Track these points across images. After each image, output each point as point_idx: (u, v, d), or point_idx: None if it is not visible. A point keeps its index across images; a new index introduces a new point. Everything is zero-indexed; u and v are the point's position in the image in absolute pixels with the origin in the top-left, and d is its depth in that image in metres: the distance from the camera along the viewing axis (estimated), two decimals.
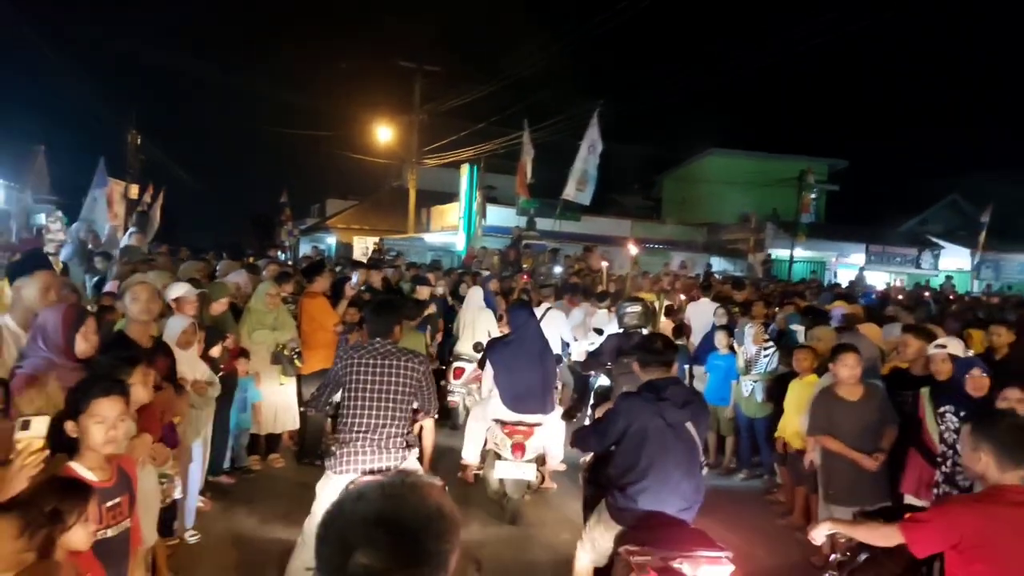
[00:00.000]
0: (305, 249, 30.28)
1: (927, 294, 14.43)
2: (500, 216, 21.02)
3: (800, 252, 23.33)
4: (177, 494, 3.79)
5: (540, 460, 5.44)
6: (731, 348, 6.92)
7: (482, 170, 19.34)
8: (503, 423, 5.28)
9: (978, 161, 28.18)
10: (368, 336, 4.06)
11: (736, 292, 9.70)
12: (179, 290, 4.70)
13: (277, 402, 6.06)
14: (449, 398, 7.28)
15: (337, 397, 3.91)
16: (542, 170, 17.26)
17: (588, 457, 4.50)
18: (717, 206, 26.48)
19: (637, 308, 5.64)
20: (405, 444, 3.81)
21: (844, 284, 20.80)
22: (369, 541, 1.08)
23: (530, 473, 5.18)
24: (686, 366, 7.40)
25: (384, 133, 24.37)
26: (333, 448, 3.77)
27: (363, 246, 20.50)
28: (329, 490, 3.64)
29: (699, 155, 27.94)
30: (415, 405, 3.93)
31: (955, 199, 28.07)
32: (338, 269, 10.40)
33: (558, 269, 13.17)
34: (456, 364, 7.49)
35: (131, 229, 11.59)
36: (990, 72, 46.49)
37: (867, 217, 27.81)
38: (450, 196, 22.93)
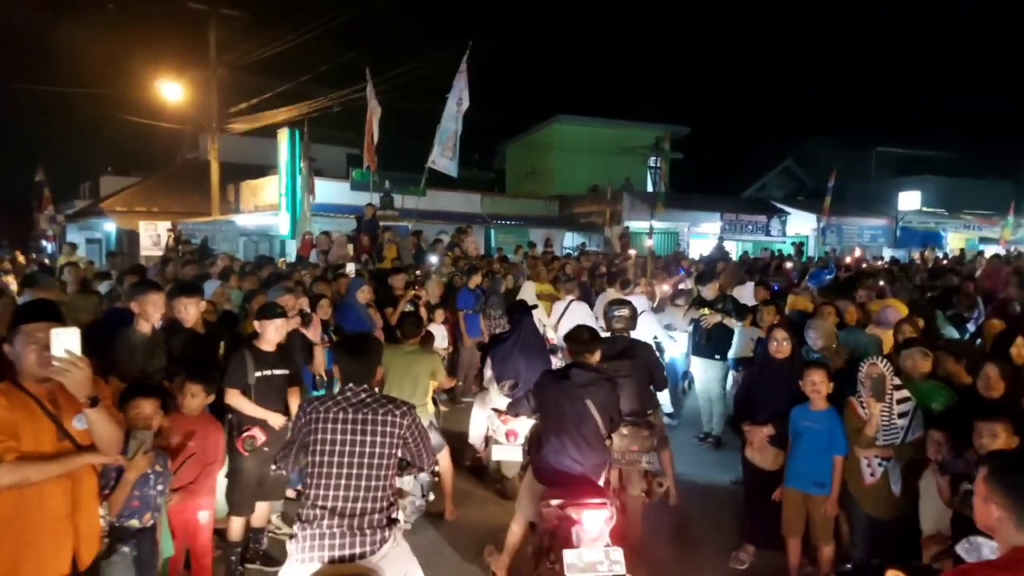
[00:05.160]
0: (76, 237, 24.23)
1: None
2: (329, 191, 17.38)
3: (655, 223, 22.05)
4: None
5: None
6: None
7: (305, 136, 15.61)
8: (499, 412, 5.59)
9: (806, 126, 28.81)
10: (342, 382, 3.13)
11: (701, 286, 7.24)
12: None
13: None
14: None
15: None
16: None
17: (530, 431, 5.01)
18: (565, 177, 24.61)
19: (625, 312, 5.38)
20: (385, 522, 2.95)
21: (698, 255, 19.88)
22: None
23: (522, 454, 5.42)
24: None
25: (172, 91, 19.11)
26: (295, 529, 2.94)
27: (152, 234, 15.93)
28: None
29: (544, 123, 25.77)
30: (407, 459, 3.17)
31: (788, 165, 28.49)
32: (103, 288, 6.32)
33: (434, 259, 10.00)
34: None
35: None
36: (816, 37, 48.91)
37: (709, 185, 27.39)
38: (261, 170, 18.80)
